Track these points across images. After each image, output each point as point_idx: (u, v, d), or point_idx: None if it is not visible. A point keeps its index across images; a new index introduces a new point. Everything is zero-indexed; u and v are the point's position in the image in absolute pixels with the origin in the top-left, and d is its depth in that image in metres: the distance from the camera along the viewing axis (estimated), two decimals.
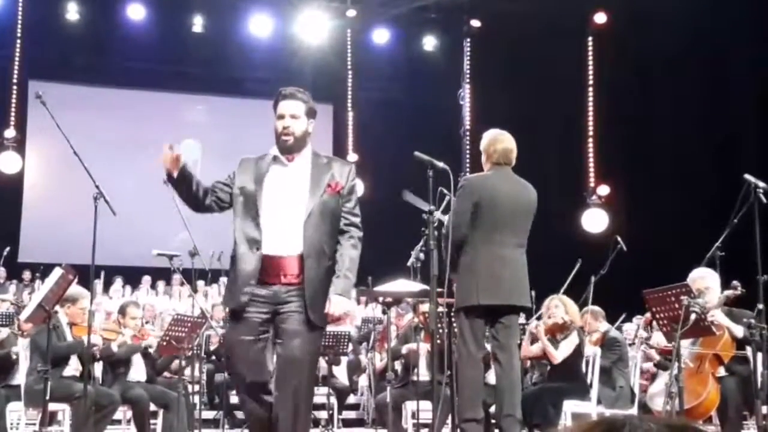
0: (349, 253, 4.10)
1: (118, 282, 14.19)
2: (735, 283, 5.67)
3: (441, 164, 4.83)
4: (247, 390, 4.11)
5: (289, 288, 3.99)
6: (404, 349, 7.53)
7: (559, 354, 6.74)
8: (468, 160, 15.25)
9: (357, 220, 4.18)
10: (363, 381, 10.46)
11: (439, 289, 4.79)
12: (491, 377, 5.75)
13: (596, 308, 7.53)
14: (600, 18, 15.30)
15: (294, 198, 4.05)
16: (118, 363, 7.11)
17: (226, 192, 4.15)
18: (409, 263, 5.81)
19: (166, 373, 7.98)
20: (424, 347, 7.11)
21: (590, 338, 7.11)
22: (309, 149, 4.18)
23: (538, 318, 7.24)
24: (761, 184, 5.12)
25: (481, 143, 5.39)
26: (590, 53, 15.72)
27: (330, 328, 10.81)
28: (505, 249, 5.12)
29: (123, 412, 7.37)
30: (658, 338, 6.12)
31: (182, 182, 4.06)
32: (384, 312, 6.39)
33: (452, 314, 5.22)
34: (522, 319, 8.68)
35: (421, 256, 5.59)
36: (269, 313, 3.99)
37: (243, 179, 4.10)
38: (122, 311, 7.39)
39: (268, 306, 3.99)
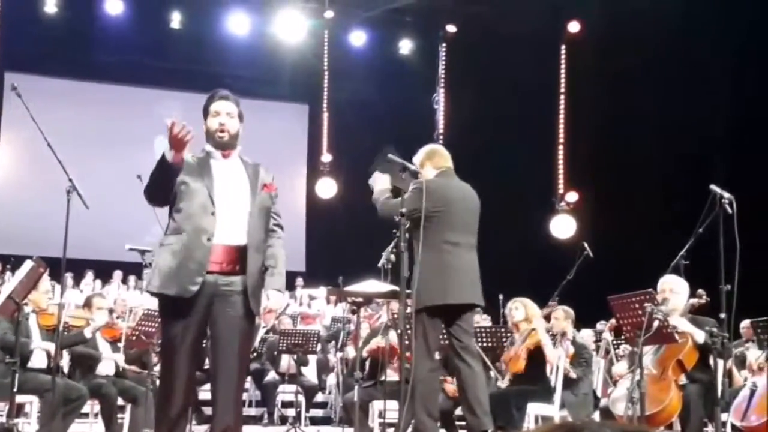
0: (280, 252, 4.31)
1: (89, 276, 14.15)
2: (700, 291, 5.77)
3: (413, 167, 4.94)
4: (184, 379, 4.11)
5: (225, 280, 4.09)
6: (364, 353, 7.58)
7: (554, 357, 6.88)
8: None
9: (281, 221, 4.38)
10: (331, 379, 10.52)
11: (409, 291, 4.89)
12: None
13: (567, 309, 7.63)
14: (574, 27, 15.48)
15: (238, 192, 4.18)
16: (87, 357, 7.11)
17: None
18: (379, 264, 5.89)
19: (134, 368, 7.98)
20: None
21: (562, 345, 7.17)
22: (238, 150, 4.31)
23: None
24: (726, 194, 5.21)
25: (419, 156, 5.47)
26: (563, 61, 15.92)
27: (300, 327, 10.90)
28: (463, 249, 5.27)
29: (90, 406, 7.36)
30: (620, 368, 6.24)
31: (176, 170, 4.05)
32: (354, 312, 6.45)
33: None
34: (488, 322, 8.80)
35: (392, 257, 5.67)
36: (204, 304, 4.06)
37: (185, 170, 4.14)
38: (87, 303, 7.38)
39: (206, 295, 4.06)
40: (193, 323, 4.07)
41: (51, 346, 6.37)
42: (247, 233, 4.12)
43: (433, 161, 5.47)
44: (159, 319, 6.94)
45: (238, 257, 4.11)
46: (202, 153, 4.25)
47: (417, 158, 5.51)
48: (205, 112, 4.28)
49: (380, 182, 5.40)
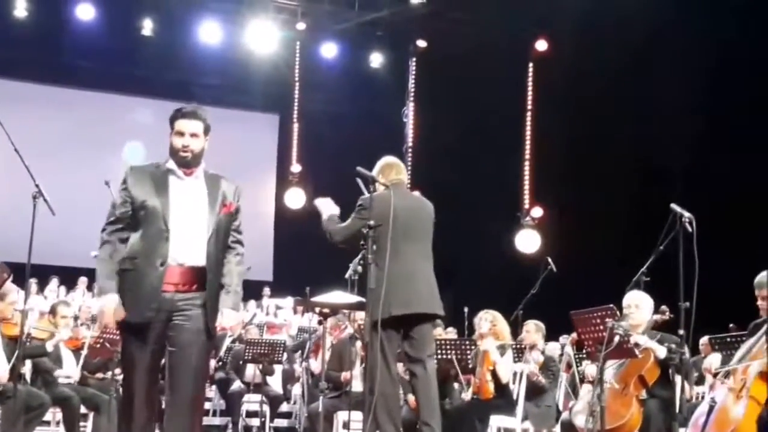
0: (237, 269, 4.27)
1: (54, 282, 14.02)
2: (663, 308, 5.86)
3: (381, 180, 5.01)
4: (146, 392, 4.11)
5: (183, 296, 4.09)
6: (342, 377, 7.59)
7: (506, 374, 6.95)
8: (409, 177, 15.46)
9: (242, 237, 4.35)
10: (296, 390, 10.50)
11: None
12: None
13: (538, 322, 7.74)
14: (541, 45, 15.73)
15: (196, 212, 4.16)
16: (47, 365, 7.07)
17: (129, 215, 4.14)
18: (346, 275, 5.94)
19: (98, 375, 7.93)
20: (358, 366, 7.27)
21: (531, 355, 7.27)
22: (202, 166, 4.28)
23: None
24: (686, 213, 5.30)
25: (374, 171, 5.52)
26: (530, 79, 16.14)
27: (266, 337, 10.88)
28: (412, 261, 5.30)
29: (52, 414, 7.32)
30: (591, 370, 6.32)
31: None
32: (320, 322, 6.48)
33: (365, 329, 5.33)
34: (453, 334, 8.86)
35: (359, 268, 5.72)
36: (162, 320, 4.06)
37: (142, 192, 4.12)
38: (53, 311, 7.36)
39: (163, 313, 4.06)
40: (152, 339, 4.08)
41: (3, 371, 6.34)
42: (205, 255, 4.12)
43: (384, 174, 5.54)
44: None
45: (196, 278, 4.12)
46: (164, 167, 4.22)
47: (373, 173, 5.57)
48: (171, 126, 4.25)
49: (325, 207, 5.48)
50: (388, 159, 5.74)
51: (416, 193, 5.63)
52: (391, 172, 5.58)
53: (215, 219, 4.17)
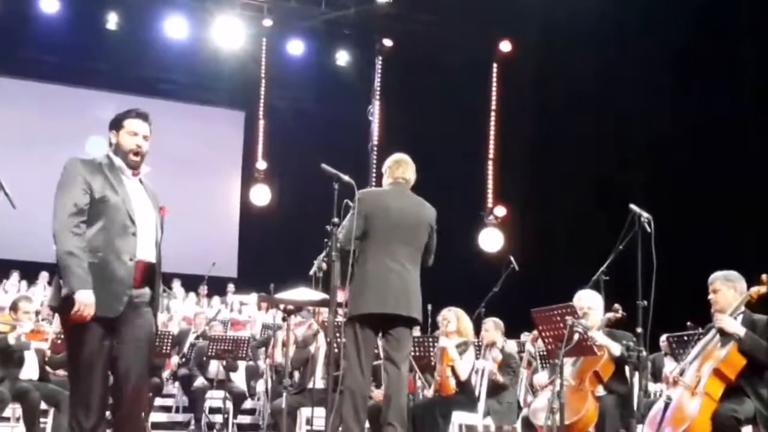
0: (161, 271, 4.36)
1: (15, 276, 13.87)
2: (616, 306, 5.96)
3: (346, 178, 5.03)
4: (102, 390, 4.10)
5: (137, 290, 4.15)
6: (312, 349, 7.62)
7: (464, 372, 7.01)
8: (374, 175, 15.50)
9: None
10: (260, 386, 10.51)
11: (340, 300, 4.96)
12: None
13: (497, 320, 7.82)
14: (505, 46, 15.88)
15: (148, 212, 4.25)
16: (11, 360, 7.01)
17: (88, 207, 4.09)
18: (311, 272, 5.96)
19: (59, 371, 7.87)
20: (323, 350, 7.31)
21: (491, 353, 7.35)
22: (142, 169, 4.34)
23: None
24: (645, 214, 5.41)
25: (385, 164, 5.61)
26: (494, 79, 16.28)
27: (230, 333, 10.87)
28: (395, 262, 5.29)
29: (12, 410, 7.25)
30: (541, 378, 6.42)
31: None
32: (284, 319, 6.50)
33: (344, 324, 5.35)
34: (417, 332, 8.95)
35: (323, 265, 5.74)
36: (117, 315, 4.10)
37: (99, 184, 4.12)
38: (14, 307, 7.29)
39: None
40: (109, 335, 4.08)
41: None
42: (155, 255, 4.23)
43: (390, 170, 5.58)
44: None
45: (148, 274, 4.20)
46: (114, 164, 4.22)
47: (383, 168, 5.66)
48: (119, 125, 4.28)
49: None
50: (398, 156, 5.70)
51: (412, 196, 5.60)
52: (397, 170, 5.57)
53: (159, 220, 4.29)
